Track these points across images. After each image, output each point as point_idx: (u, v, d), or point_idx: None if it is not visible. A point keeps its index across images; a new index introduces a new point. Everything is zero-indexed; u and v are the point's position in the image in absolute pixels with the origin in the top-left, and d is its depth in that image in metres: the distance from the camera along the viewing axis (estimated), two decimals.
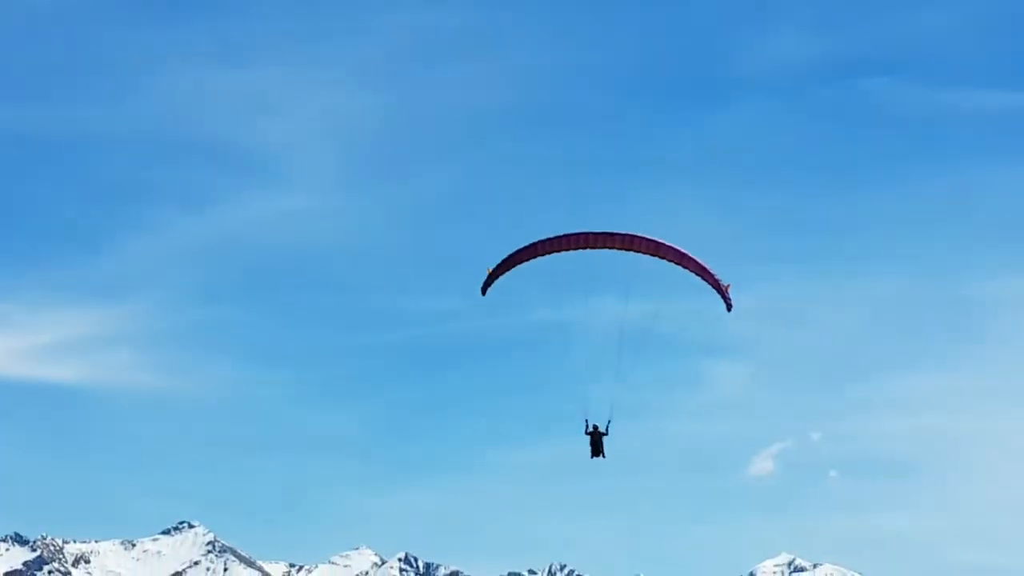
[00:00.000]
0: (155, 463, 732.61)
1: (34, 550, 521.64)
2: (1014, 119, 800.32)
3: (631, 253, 50.49)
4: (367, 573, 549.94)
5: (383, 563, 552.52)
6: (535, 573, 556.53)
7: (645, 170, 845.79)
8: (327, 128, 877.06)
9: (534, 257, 50.60)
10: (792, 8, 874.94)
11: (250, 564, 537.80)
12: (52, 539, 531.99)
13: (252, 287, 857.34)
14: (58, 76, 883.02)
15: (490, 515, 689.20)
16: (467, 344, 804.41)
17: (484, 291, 51.59)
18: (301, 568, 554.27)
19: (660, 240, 50.46)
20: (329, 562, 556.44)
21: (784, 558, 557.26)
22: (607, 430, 52.20)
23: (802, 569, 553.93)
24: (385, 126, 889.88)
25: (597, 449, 52.24)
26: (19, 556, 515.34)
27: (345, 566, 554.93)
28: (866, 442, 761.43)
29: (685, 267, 50.84)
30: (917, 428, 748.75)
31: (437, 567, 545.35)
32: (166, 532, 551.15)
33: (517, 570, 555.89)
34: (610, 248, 50.36)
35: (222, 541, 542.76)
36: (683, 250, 50.59)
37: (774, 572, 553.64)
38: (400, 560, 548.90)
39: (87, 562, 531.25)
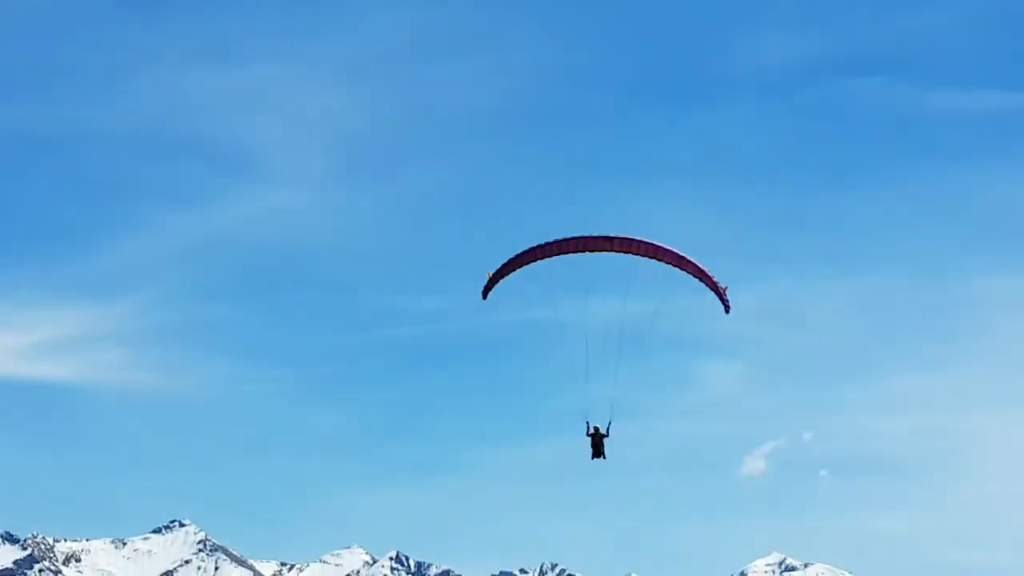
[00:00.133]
0: (146, 462, 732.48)
1: (25, 549, 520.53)
2: (1012, 119, 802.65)
3: (630, 256, 50.55)
4: (358, 572, 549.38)
5: (374, 562, 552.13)
6: (526, 572, 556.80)
7: (641, 169, 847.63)
8: (320, 126, 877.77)
9: (534, 261, 50.64)
10: (790, 9, 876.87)
11: (241, 563, 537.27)
12: (43, 538, 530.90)
13: (245, 285, 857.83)
14: (49, 75, 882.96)
15: (481, 514, 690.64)
16: (458, 344, 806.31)
17: (485, 295, 51.73)
18: (292, 567, 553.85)
19: (658, 243, 50.55)
20: (320, 561, 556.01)
21: (775, 557, 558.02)
22: (608, 431, 51.92)
23: (793, 568, 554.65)
24: (378, 124, 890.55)
25: (598, 451, 52.00)
26: (9, 555, 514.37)
27: (336, 565, 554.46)
28: (857, 442, 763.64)
29: (683, 270, 50.92)
30: (908, 428, 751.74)
31: (428, 566, 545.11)
32: (157, 531, 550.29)
33: (508, 569, 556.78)
34: (609, 251, 50.42)
35: (213, 540, 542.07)
36: (681, 253, 50.70)
37: (765, 571, 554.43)
38: (391, 559, 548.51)
39: (78, 561, 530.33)
